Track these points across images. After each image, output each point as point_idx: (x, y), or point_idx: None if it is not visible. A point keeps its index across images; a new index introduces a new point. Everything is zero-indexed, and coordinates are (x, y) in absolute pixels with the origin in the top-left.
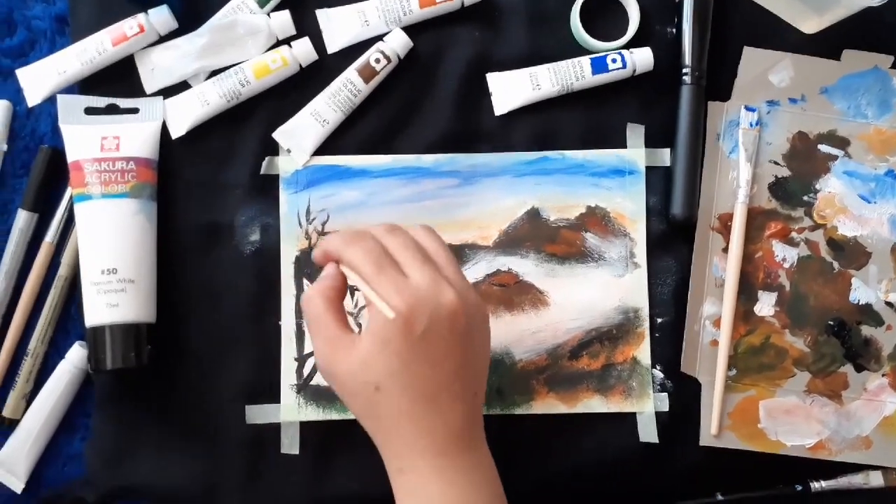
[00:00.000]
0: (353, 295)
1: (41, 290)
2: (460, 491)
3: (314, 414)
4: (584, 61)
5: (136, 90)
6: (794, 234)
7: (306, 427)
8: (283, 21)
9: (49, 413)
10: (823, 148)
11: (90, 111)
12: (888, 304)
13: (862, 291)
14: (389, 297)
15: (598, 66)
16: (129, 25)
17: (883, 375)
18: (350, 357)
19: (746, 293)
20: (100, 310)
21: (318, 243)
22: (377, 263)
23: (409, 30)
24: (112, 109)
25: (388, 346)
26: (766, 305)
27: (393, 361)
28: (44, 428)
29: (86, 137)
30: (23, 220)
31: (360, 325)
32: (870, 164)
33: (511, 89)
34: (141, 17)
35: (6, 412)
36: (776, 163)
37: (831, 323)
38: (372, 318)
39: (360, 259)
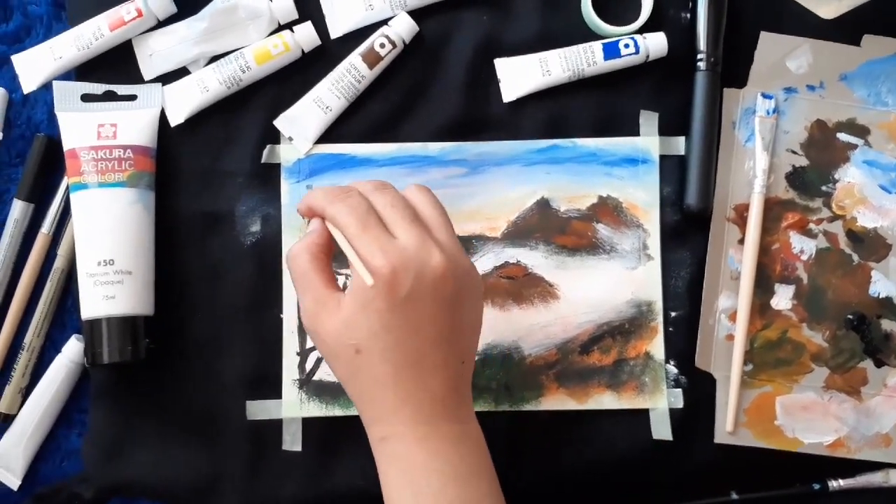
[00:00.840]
0: None
1: (37, 282)
2: (445, 461)
3: (317, 410)
4: (596, 46)
5: (134, 76)
6: (812, 226)
7: (309, 423)
8: (285, 5)
9: (45, 408)
10: (842, 137)
11: (87, 98)
12: None
13: (882, 284)
14: (373, 256)
15: (611, 51)
16: (126, 10)
17: None
18: (334, 317)
19: (763, 286)
20: (96, 302)
21: (304, 197)
22: (362, 221)
23: (415, 14)
24: (109, 96)
25: (369, 307)
26: (783, 299)
27: (374, 324)
28: (40, 423)
29: (82, 125)
30: (18, 210)
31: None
32: (890, 153)
33: (520, 75)
34: (139, 1)
35: (1, 407)
36: (794, 152)
37: (850, 317)
38: (355, 277)
39: (344, 216)
